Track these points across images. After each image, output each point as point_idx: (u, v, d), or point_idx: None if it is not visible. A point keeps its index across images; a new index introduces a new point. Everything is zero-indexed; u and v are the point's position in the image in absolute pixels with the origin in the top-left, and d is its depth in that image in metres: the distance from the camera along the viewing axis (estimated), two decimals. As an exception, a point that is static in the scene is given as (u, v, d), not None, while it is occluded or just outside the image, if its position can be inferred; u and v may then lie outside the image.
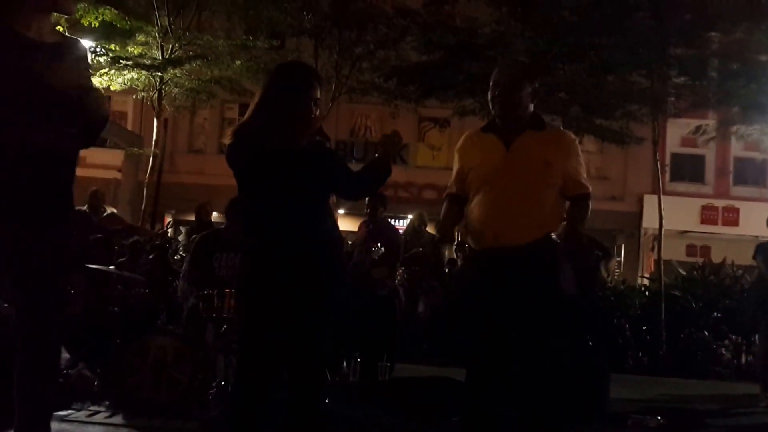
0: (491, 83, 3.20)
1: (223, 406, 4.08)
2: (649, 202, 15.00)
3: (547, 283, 3.13)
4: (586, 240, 7.75)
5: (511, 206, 3.11)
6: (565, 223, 3.23)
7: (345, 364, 5.88)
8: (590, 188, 3.29)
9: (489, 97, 3.23)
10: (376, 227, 6.41)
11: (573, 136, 3.42)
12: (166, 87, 11.10)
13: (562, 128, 3.56)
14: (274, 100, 2.91)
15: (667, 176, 17.87)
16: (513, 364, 3.18)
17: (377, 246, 5.94)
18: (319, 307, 2.92)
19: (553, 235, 3.18)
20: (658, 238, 10.55)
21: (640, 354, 8.84)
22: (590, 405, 5.00)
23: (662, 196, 10.13)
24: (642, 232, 18.46)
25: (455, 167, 3.35)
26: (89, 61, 2.60)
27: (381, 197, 6.49)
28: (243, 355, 3.03)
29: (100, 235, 6.40)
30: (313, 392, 2.98)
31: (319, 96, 2.99)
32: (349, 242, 7.74)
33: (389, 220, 9.25)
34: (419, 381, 5.30)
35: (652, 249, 12.29)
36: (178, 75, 10.93)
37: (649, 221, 15.65)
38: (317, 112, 3.00)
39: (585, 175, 3.28)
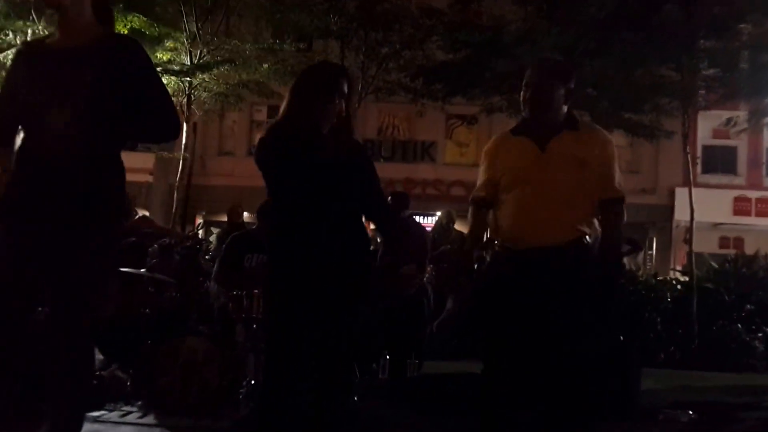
0: (524, 83, 3.16)
1: (253, 406, 4.14)
2: (681, 194, 14.83)
3: (582, 285, 3.09)
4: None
5: (545, 207, 3.07)
6: (600, 230, 3.16)
7: (374, 362, 5.92)
8: (624, 194, 3.21)
9: (521, 98, 3.18)
10: (402, 226, 6.43)
11: (609, 135, 3.32)
12: (195, 92, 11.27)
13: (598, 127, 3.50)
14: (295, 96, 2.99)
15: (699, 168, 17.65)
16: (537, 364, 3.17)
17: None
18: (346, 308, 2.97)
19: (587, 238, 3.13)
20: (689, 230, 10.44)
21: (672, 348, 8.75)
22: (621, 400, 4.98)
23: (694, 189, 10.01)
24: (674, 224, 18.24)
25: (484, 170, 3.29)
26: (141, 60, 2.53)
27: (402, 198, 6.51)
28: (270, 355, 3.09)
29: (132, 239, 6.51)
30: (338, 391, 3.03)
31: (345, 90, 3.01)
32: (378, 239, 7.79)
33: (416, 217, 9.29)
34: (447, 378, 5.32)
35: (685, 241, 12.13)
36: (206, 80, 11.09)
37: (681, 214, 15.47)
38: (342, 105, 3.01)
39: (619, 180, 3.20)
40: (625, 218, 3.23)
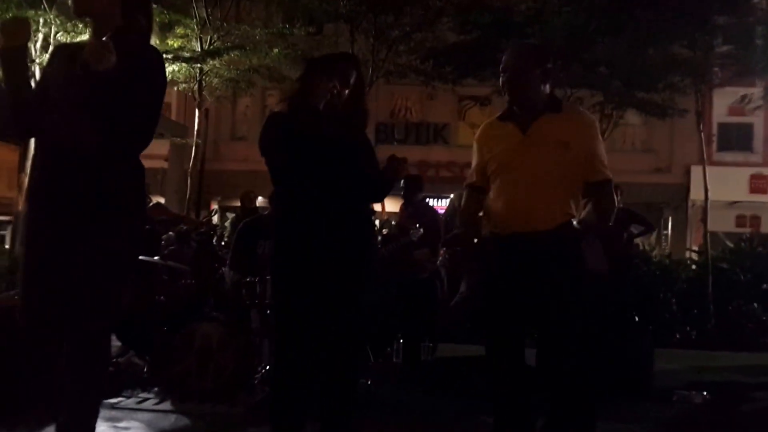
0: (500, 69, 3.18)
1: (268, 391, 4.19)
2: (697, 173, 14.70)
3: (571, 268, 3.11)
4: (626, 215, 7.68)
5: (530, 191, 3.09)
6: (590, 208, 3.20)
7: (388, 345, 5.97)
8: (610, 175, 3.21)
9: (500, 82, 3.19)
10: (414, 209, 6.45)
11: (592, 117, 3.33)
12: (206, 78, 11.27)
13: (581, 109, 3.49)
14: (297, 89, 3.07)
15: (715, 146, 17.50)
16: (540, 349, 3.20)
17: (415, 227, 5.97)
18: (350, 292, 2.99)
19: (575, 222, 3.16)
20: (704, 210, 10.38)
21: (687, 328, 8.73)
22: (634, 381, 5.00)
23: (710, 167, 9.93)
24: (689, 204, 18.11)
25: (474, 157, 3.33)
26: (154, 70, 2.62)
27: (416, 180, 6.51)
28: (278, 341, 3.13)
29: (146, 226, 6.56)
30: (349, 374, 3.06)
31: (348, 74, 3.06)
32: (392, 222, 7.79)
33: (429, 200, 9.25)
34: (461, 361, 5.35)
35: (701, 221, 12.06)
36: (217, 66, 11.08)
37: (697, 193, 15.34)
38: (335, 83, 3.03)
39: (605, 161, 3.20)
40: (616, 198, 3.25)
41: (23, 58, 2.54)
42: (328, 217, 2.97)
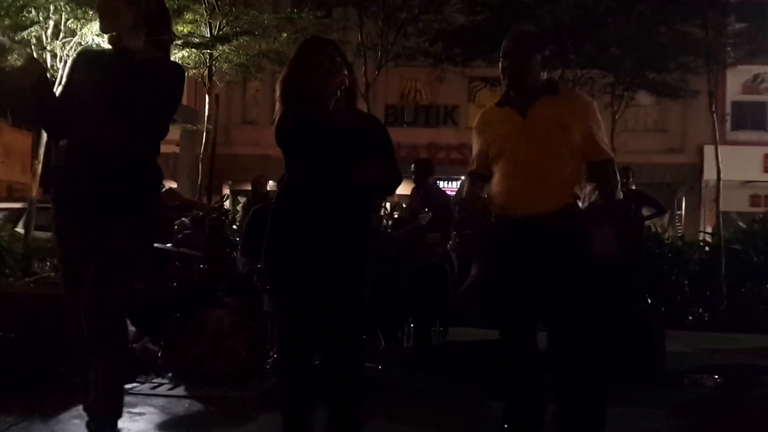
0: (501, 54, 3.20)
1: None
2: (710, 153, 14.55)
3: (575, 250, 3.13)
4: (637, 197, 7.65)
5: (531, 175, 3.12)
6: (592, 189, 3.24)
7: (399, 330, 5.99)
8: (612, 154, 3.26)
9: (500, 67, 3.22)
10: (425, 193, 6.46)
11: (589, 98, 3.39)
12: (216, 63, 11.26)
13: (578, 91, 3.53)
14: (289, 78, 3.01)
15: (728, 125, 17.35)
16: (551, 332, 3.21)
17: (425, 211, 5.98)
18: (352, 275, 2.99)
19: (579, 203, 3.18)
20: (717, 190, 10.32)
21: (699, 310, 8.71)
22: (645, 364, 5.00)
23: (723, 146, 9.86)
24: (703, 184, 17.99)
25: (475, 144, 3.36)
26: (171, 80, 2.83)
27: (426, 164, 6.51)
28: (280, 327, 3.14)
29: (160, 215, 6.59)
30: (353, 359, 3.07)
31: (333, 57, 3.01)
32: (403, 205, 7.79)
33: (440, 182, 9.22)
34: (471, 345, 5.37)
35: (714, 200, 11.99)
36: (226, 51, 11.05)
37: (710, 173, 15.23)
38: (339, 75, 3.01)
39: (606, 140, 3.25)
40: (618, 180, 3.30)
41: (45, 85, 2.80)
42: (329, 201, 2.96)
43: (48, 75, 2.90)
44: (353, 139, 2.98)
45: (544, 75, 3.22)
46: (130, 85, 2.68)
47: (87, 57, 2.96)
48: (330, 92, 3.00)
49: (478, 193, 3.37)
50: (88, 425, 2.82)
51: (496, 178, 3.25)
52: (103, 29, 2.88)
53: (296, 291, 3.00)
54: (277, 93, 3.05)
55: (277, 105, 3.06)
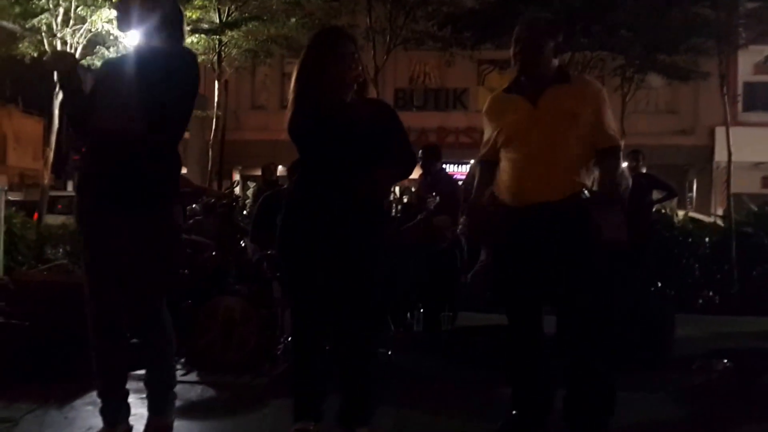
0: (513, 40, 3.19)
1: (290, 362, 4.26)
2: (721, 134, 14.45)
3: (583, 237, 3.12)
4: (647, 181, 7.61)
5: (541, 162, 3.11)
6: (598, 177, 3.23)
7: (408, 315, 6.02)
8: (620, 142, 3.26)
9: (511, 53, 3.21)
10: (433, 179, 6.46)
11: (599, 85, 3.36)
12: (224, 49, 11.25)
13: (588, 78, 3.52)
14: (306, 69, 3.02)
15: (740, 106, 17.21)
16: (559, 319, 3.23)
17: (432, 196, 5.99)
18: (364, 262, 3.02)
19: (585, 191, 3.17)
20: (728, 172, 10.26)
21: (710, 293, 8.69)
22: (654, 349, 5.00)
23: (734, 128, 9.78)
24: (714, 166, 17.89)
25: (485, 131, 3.36)
26: (185, 71, 2.92)
27: (434, 149, 6.50)
28: (294, 313, 3.18)
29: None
30: (365, 345, 3.10)
31: (353, 51, 3.05)
32: (412, 189, 7.78)
33: (449, 166, 9.19)
34: (481, 330, 5.39)
35: (725, 183, 11.91)
36: (235, 37, 11.04)
37: (722, 154, 15.07)
38: (357, 68, 3.06)
39: (614, 127, 3.24)
40: (621, 165, 3.32)
41: (75, 78, 2.91)
42: (338, 189, 2.98)
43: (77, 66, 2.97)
44: (368, 130, 3.00)
45: (556, 62, 3.21)
46: (152, 81, 2.79)
47: (111, 64, 3.13)
48: (349, 84, 3.03)
49: (487, 181, 3.37)
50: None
51: (505, 166, 3.25)
52: (121, 28, 3.06)
53: (310, 280, 3.04)
54: (293, 81, 3.06)
55: (291, 94, 3.07)
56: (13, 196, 13.26)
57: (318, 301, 3.07)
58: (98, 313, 2.88)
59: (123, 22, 2.99)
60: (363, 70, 3.11)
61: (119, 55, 3.21)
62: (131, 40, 3.29)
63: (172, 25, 2.94)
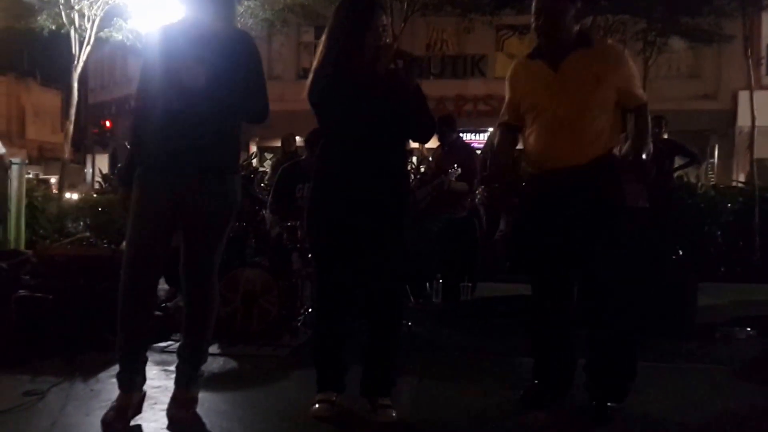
0: (533, 11, 3.16)
1: (310, 333, 4.29)
2: (744, 98, 14.24)
3: (610, 201, 3.11)
4: (669, 146, 7.51)
5: (566, 127, 3.11)
6: (627, 138, 3.23)
7: (428, 285, 6.03)
8: (645, 99, 3.25)
9: (533, 25, 3.19)
10: (450, 149, 6.41)
11: (621, 47, 3.36)
12: (241, 18, 11.19)
13: (609, 41, 3.51)
14: (341, 37, 3.00)
15: (764, 69, 16.85)
16: (582, 285, 3.22)
17: (454, 167, 5.96)
18: (392, 232, 3.03)
19: (615, 151, 3.17)
20: (751, 137, 10.10)
21: (732, 261, 8.60)
22: (676, 317, 4.96)
23: (758, 92, 9.61)
24: (737, 131, 17.60)
25: (507, 96, 3.36)
26: (247, 53, 2.95)
27: (448, 119, 6.44)
28: (318, 283, 3.19)
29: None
30: (393, 317, 3.13)
31: (384, 23, 3.07)
32: (430, 158, 7.73)
33: (467, 135, 9.08)
34: (500, 300, 5.39)
35: (748, 147, 11.73)
36: (251, 6, 10.97)
37: (744, 119, 14.91)
38: (386, 39, 3.06)
39: (639, 86, 3.25)
40: (663, 131, 3.27)
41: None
42: (369, 159, 2.99)
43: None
44: (396, 102, 2.99)
45: (576, 27, 3.19)
46: (216, 57, 2.84)
47: (164, 33, 3.05)
48: (379, 55, 3.01)
49: (508, 146, 3.38)
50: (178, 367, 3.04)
51: (528, 131, 3.26)
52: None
53: (340, 251, 3.05)
54: (322, 48, 3.04)
55: (317, 62, 3.04)
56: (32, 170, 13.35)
57: (345, 273, 3.08)
58: (136, 275, 2.90)
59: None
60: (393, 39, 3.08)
61: (167, 26, 3.15)
62: (153, 11, 3.26)
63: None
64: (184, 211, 2.90)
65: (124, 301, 2.91)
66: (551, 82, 3.16)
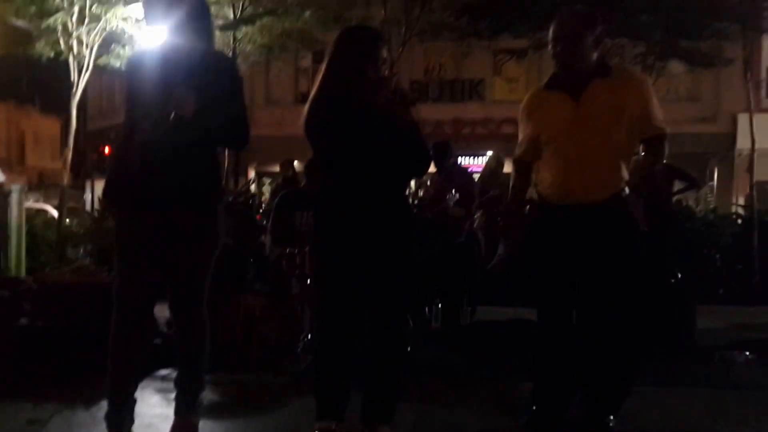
0: (550, 38, 3.10)
1: (311, 359, 4.28)
2: (743, 121, 14.26)
3: (626, 239, 3.11)
4: (667, 171, 7.54)
5: (585, 163, 3.05)
6: (636, 162, 3.19)
7: (427, 310, 6.03)
8: (666, 129, 3.16)
9: (551, 53, 3.12)
10: (446, 175, 6.44)
11: (643, 75, 3.31)
12: (239, 45, 11.26)
13: (630, 69, 3.44)
14: (340, 68, 3.00)
15: (763, 92, 16.94)
16: (584, 309, 3.22)
17: (452, 193, 5.99)
18: (396, 259, 3.03)
19: (626, 189, 3.13)
20: (750, 160, 10.12)
21: (731, 284, 8.60)
22: (675, 341, 4.97)
23: (758, 114, 9.59)
24: (736, 153, 17.62)
25: (522, 129, 3.29)
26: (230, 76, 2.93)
27: (444, 146, 6.47)
28: (322, 311, 3.19)
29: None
30: (397, 344, 3.12)
31: (384, 56, 3.07)
32: (428, 183, 7.77)
33: (465, 158, 9.04)
34: (499, 325, 5.39)
35: (747, 170, 11.74)
36: (250, 32, 11.05)
37: (744, 142, 14.87)
38: (385, 72, 3.07)
39: (660, 115, 3.14)
40: (666, 151, 3.22)
41: None
42: (369, 191, 3.00)
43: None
44: (395, 134, 2.99)
45: (595, 55, 3.11)
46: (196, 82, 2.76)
47: (144, 58, 3.02)
48: (378, 88, 3.00)
49: (524, 183, 3.35)
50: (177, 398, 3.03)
51: (548, 164, 3.19)
52: (149, 23, 2.94)
53: (344, 280, 3.05)
54: (321, 78, 3.03)
55: (316, 91, 3.04)
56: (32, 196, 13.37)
57: (349, 301, 3.08)
58: (125, 311, 2.87)
59: (151, 16, 2.89)
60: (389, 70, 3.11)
61: (147, 51, 3.13)
62: (148, 38, 3.27)
63: (198, 20, 2.89)
64: (166, 244, 2.85)
65: (114, 339, 2.89)
66: (573, 114, 3.08)
